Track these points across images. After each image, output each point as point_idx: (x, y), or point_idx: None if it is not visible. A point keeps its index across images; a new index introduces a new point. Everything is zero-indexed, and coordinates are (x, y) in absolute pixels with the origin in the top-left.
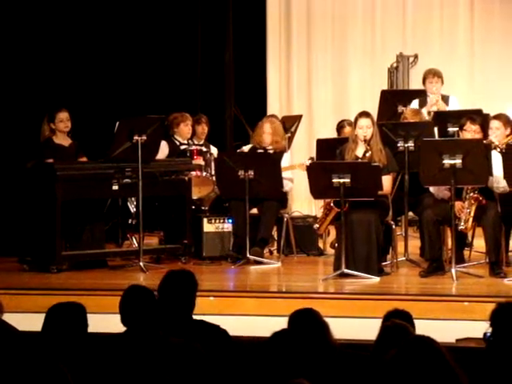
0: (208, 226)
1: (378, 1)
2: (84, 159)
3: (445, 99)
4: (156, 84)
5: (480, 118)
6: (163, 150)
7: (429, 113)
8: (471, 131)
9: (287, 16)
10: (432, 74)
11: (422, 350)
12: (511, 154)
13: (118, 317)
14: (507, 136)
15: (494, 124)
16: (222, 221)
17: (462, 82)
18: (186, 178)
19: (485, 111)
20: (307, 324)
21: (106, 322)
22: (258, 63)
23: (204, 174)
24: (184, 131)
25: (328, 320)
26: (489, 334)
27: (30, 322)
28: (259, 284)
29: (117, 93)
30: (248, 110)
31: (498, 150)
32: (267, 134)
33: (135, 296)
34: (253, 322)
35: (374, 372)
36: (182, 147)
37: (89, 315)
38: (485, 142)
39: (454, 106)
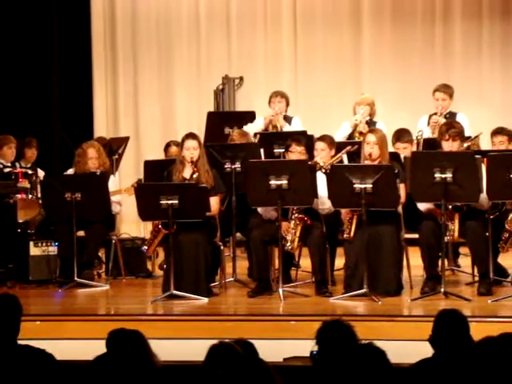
0: (34, 250)
1: (202, 24)
2: None
3: (288, 119)
4: None
5: (305, 139)
6: None
7: (255, 135)
8: (296, 152)
9: (112, 37)
10: (276, 93)
11: (249, 370)
12: (335, 174)
13: None
14: (332, 157)
15: (319, 145)
16: (48, 244)
17: None
18: (11, 201)
19: (309, 132)
20: (126, 346)
21: None
22: (84, 84)
23: (29, 196)
24: (7, 154)
25: (157, 342)
26: (315, 352)
27: None
28: (87, 307)
29: None
30: (75, 133)
31: (323, 170)
32: (94, 159)
33: None
34: (81, 345)
35: None
36: (6, 170)
37: None
38: (310, 162)
39: (296, 126)
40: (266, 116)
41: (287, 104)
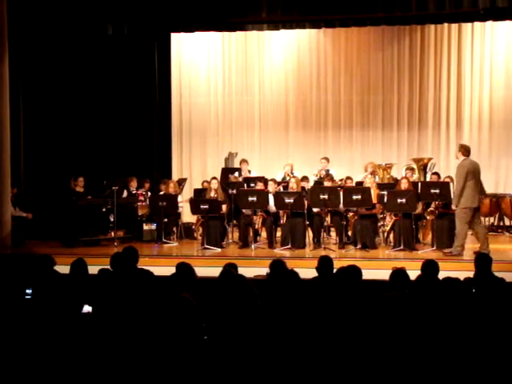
0: (145, 227)
1: (220, 126)
2: None
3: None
4: None
5: (263, 179)
6: None
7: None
8: (258, 185)
9: (180, 129)
10: (243, 160)
11: (237, 280)
12: (277, 195)
13: None
14: (275, 188)
15: (270, 183)
16: (151, 224)
17: None
18: (135, 205)
19: (266, 176)
20: (184, 269)
21: None
22: (168, 154)
23: (143, 203)
24: (133, 185)
25: (197, 268)
26: (268, 273)
27: None
28: (167, 252)
29: None
30: (164, 174)
31: (272, 193)
32: (172, 187)
33: None
34: (163, 269)
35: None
36: (133, 192)
37: None
38: (265, 190)
39: (254, 174)
40: (239, 169)
41: (247, 164)
